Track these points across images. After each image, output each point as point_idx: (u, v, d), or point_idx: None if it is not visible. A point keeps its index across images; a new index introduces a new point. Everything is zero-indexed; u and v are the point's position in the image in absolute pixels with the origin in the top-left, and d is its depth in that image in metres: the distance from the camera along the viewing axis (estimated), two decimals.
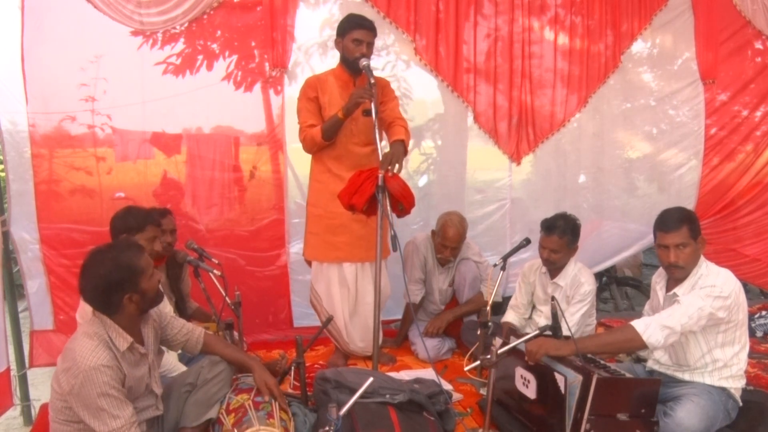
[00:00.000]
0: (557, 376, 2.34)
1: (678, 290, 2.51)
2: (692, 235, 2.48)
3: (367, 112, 2.95)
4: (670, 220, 2.52)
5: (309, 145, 3.24)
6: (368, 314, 3.26)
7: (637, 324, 2.41)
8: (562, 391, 2.30)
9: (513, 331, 2.83)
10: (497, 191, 4.38)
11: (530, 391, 2.50)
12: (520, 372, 2.57)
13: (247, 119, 3.82)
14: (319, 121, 3.20)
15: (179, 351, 2.58)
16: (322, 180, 3.31)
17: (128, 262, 2.08)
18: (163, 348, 2.46)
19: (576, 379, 2.32)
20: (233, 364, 2.48)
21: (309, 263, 3.48)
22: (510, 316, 3.41)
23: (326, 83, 3.23)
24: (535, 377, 2.47)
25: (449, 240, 3.51)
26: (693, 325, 2.38)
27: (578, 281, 3.15)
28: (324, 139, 3.14)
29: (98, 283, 2.05)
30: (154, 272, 2.17)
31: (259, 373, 2.41)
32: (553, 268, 3.18)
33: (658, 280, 2.73)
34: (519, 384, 2.57)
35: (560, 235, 3.07)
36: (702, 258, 2.54)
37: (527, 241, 3.49)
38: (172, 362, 2.73)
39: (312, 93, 3.21)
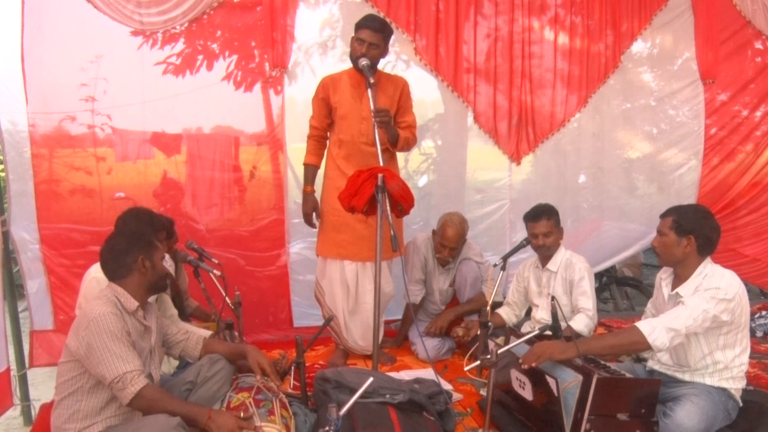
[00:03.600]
0: (548, 379, 2.33)
1: (681, 290, 2.51)
2: (675, 228, 2.51)
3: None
4: (668, 209, 2.59)
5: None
6: (368, 313, 3.27)
7: (643, 327, 2.40)
8: (555, 394, 2.30)
9: (513, 331, 2.83)
10: (497, 191, 4.38)
11: (527, 393, 2.50)
12: (515, 374, 2.57)
13: (247, 119, 3.82)
14: (322, 122, 3.33)
15: (178, 353, 2.56)
16: (331, 177, 3.36)
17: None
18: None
19: (574, 380, 2.32)
20: (231, 356, 2.48)
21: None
22: (503, 311, 3.55)
23: (339, 82, 3.28)
24: (529, 379, 2.48)
25: (448, 240, 3.51)
26: (697, 327, 2.38)
27: (570, 263, 3.26)
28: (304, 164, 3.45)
29: (119, 240, 2.24)
30: (164, 257, 2.32)
31: (252, 354, 2.43)
32: (548, 253, 3.30)
33: (663, 277, 2.72)
34: (515, 386, 2.57)
35: (547, 217, 3.26)
36: (708, 259, 2.53)
37: (527, 241, 3.48)
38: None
39: (322, 93, 3.29)
